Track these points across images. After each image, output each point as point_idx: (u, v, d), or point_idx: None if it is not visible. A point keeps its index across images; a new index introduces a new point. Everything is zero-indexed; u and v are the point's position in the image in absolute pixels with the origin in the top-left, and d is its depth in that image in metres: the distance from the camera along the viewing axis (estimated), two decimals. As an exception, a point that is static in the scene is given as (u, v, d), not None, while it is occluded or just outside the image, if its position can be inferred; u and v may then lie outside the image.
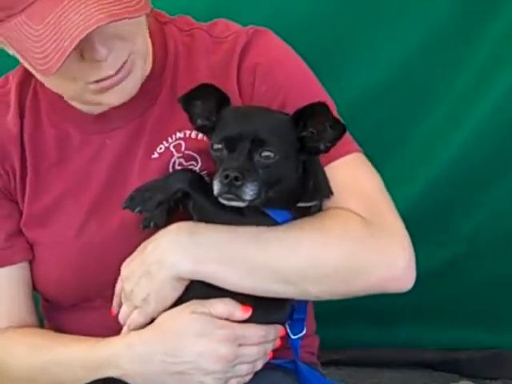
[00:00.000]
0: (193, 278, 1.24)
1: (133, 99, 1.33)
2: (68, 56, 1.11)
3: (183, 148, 1.36)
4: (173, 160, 1.36)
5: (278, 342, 1.31)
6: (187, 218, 1.29)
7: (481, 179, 2.15)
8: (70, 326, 1.44)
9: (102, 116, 1.38)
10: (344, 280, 1.25)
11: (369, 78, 2.03)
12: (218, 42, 1.40)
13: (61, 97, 1.39)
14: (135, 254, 1.29)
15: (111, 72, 1.23)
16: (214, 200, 1.19)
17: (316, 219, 1.27)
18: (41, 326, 1.51)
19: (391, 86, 2.04)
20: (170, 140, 1.36)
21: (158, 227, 1.29)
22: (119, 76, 1.24)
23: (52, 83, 1.30)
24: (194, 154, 1.36)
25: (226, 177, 1.14)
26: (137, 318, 1.28)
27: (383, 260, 1.25)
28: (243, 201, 1.16)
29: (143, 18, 1.29)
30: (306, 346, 1.49)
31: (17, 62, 1.27)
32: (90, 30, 1.10)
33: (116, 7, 1.12)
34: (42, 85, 1.37)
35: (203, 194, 1.25)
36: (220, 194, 1.16)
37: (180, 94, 1.25)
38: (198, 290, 1.24)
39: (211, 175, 1.24)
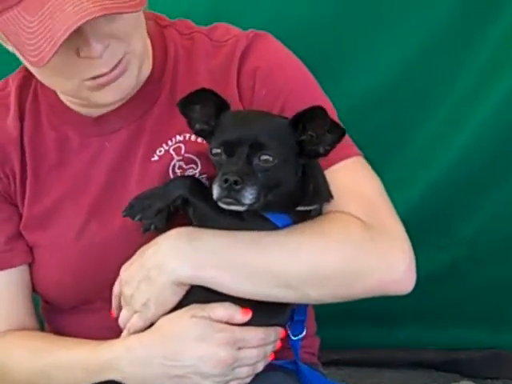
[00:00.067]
0: (193, 283, 1.24)
1: (132, 102, 1.33)
2: (60, 46, 1.11)
3: (183, 151, 1.36)
4: (173, 163, 1.36)
5: (278, 344, 1.31)
6: (187, 221, 1.29)
7: (481, 183, 2.15)
8: (70, 328, 1.44)
9: (101, 119, 1.38)
10: (344, 283, 1.25)
11: (369, 82, 2.03)
12: (218, 45, 1.40)
13: (60, 100, 1.39)
14: (134, 257, 1.29)
15: (105, 70, 1.23)
16: (214, 205, 1.19)
17: (316, 223, 1.27)
18: (41, 328, 1.51)
19: (391, 90, 2.04)
20: (169, 143, 1.36)
21: (159, 230, 1.29)
22: (115, 72, 1.24)
23: (50, 80, 1.30)
24: (194, 157, 1.36)
25: (226, 181, 1.14)
26: (136, 322, 1.27)
27: (383, 263, 1.25)
28: (242, 205, 1.16)
29: (141, 20, 1.29)
30: (307, 346, 1.49)
31: (17, 61, 1.27)
32: (83, 21, 1.10)
33: (110, 1, 1.12)
34: (42, 87, 1.38)
35: (203, 200, 1.25)
36: (219, 199, 1.16)
37: (179, 98, 1.25)
38: (197, 294, 1.24)
39: (211, 178, 1.25)
